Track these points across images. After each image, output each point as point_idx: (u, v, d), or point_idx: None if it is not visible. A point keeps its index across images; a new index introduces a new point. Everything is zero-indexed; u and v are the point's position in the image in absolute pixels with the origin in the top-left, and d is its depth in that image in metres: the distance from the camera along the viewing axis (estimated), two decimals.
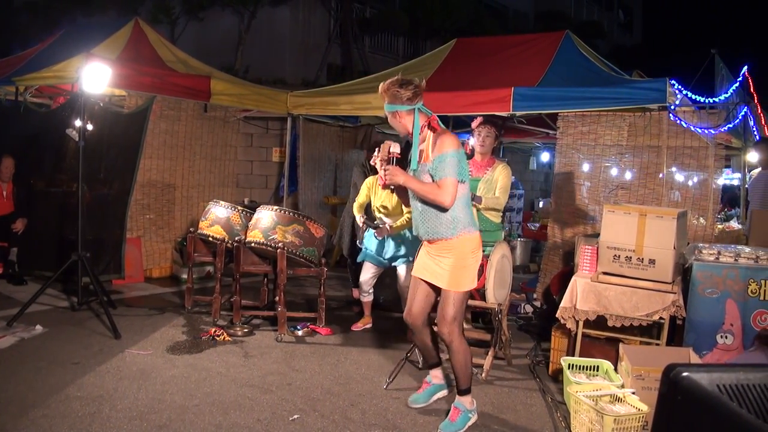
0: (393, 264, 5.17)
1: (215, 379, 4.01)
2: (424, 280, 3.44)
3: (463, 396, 3.45)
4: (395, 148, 3.35)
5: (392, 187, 3.41)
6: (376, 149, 4.86)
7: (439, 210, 3.25)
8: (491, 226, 4.83)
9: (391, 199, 5.04)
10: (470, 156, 4.86)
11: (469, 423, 3.43)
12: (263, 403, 3.65)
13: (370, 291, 5.35)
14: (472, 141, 4.85)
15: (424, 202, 3.28)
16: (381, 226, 4.99)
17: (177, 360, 4.34)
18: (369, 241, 5.17)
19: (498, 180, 4.75)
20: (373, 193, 5.17)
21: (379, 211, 5.11)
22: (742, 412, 1.11)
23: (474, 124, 4.78)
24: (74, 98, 6.31)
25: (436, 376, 3.77)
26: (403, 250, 5.10)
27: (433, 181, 3.23)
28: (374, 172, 5.28)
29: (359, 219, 5.15)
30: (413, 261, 4.77)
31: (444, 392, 3.79)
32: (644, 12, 30.95)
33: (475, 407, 3.50)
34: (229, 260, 5.40)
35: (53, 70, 5.77)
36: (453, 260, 3.29)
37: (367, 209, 5.28)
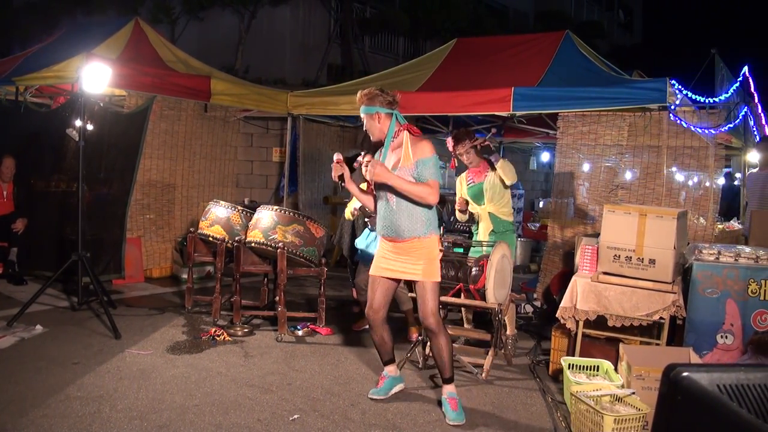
0: None
1: (215, 379, 4.01)
2: (385, 278, 3.62)
3: (449, 384, 3.60)
4: (338, 156, 3.63)
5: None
6: (361, 154, 5.05)
7: (414, 210, 3.45)
8: (504, 226, 4.84)
9: None
10: (462, 168, 5.00)
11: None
12: (263, 403, 3.66)
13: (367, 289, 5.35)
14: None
15: (399, 201, 3.44)
16: (374, 216, 5.00)
17: (177, 360, 4.34)
18: (361, 241, 5.17)
19: (499, 174, 4.81)
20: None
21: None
22: (742, 412, 1.11)
23: (451, 147, 4.83)
24: (74, 98, 6.32)
25: (391, 371, 3.88)
26: None
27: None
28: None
29: (353, 211, 5.15)
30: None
31: (401, 386, 3.90)
32: (644, 12, 30.91)
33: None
34: (229, 260, 5.40)
35: (53, 70, 5.78)
36: (424, 255, 3.49)
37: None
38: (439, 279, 3.56)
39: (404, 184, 3.39)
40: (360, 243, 5.18)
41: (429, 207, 3.47)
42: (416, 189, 3.38)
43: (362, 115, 3.58)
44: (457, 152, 4.83)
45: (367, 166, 5.09)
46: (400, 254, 3.53)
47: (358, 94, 3.56)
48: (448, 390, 3.59)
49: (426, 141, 3.49)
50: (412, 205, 3.43)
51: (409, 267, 3.51)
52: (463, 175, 5.01)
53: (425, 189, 3.37)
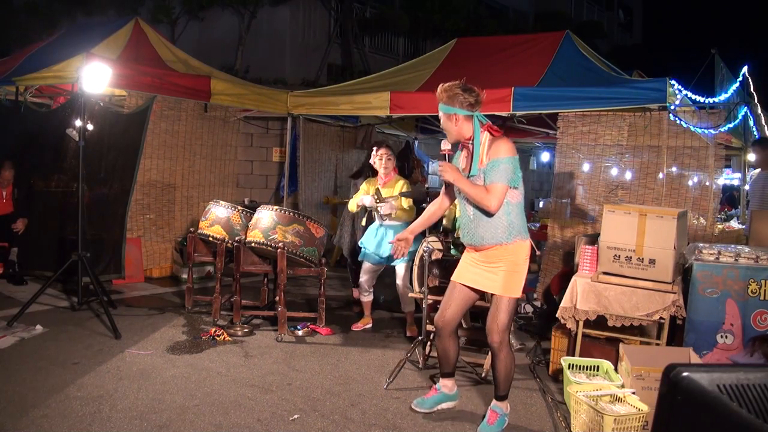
0: (392, 263, 5.17)
1: (215, 379, 4.01)
2: (466, 287, 3.41)
3: (500, 401, 3.44)
4: (446, 146, 3.37)
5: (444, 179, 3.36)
6: (374, 148, 5.08)
7: (496, 216, 3.21)
8: None
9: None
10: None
11: (504, 426, 3.42)
12: (263, 403, 3.65)
13: (371, 290, 5.35)
14: None
15: (477, 209, 3.25)
16: (387, 202, 4.96)
17: (177, 360, 4.34)
18: (367, 239, 5.17)
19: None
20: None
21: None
22: (742, 412, 1.11)
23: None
24: (74, 98, 6.31)
25: (446, 385, 3.68)
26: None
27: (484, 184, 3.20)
28: (374, 173, 5.29)
29: (366, 201, 5.08)
30: (411, 260, 4.81)
31: (451, 404, 3.69)
32: (644, 12, 30.95)
33: (508, 412, 3.48)
34: (229, 260, 5.40)
35: (53, 70, 5.77)
36: (506, 266, 3.25)
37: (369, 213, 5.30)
38: (518, 295, 3.30)
39: (465, 185, 3.20)
40: (368, 242, 5.14)
41: (513, 211, 3.21)
42: (472, 191, 3.17)
43: (440, 113, 3.32)
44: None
45: (381, 159, 5.12)
46: (483, 262, 3.31)
47: (439, 89, 3.27)
48: (495, 403, 3.44)
49: (503, 141, 3.21)
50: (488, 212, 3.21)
51: (489, 276, 3.29)
52: None
53: (480, 192, 3.15)
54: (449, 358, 3.60)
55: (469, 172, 3.28)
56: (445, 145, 3.38)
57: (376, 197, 4.99)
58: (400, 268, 5.12)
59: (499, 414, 3.41)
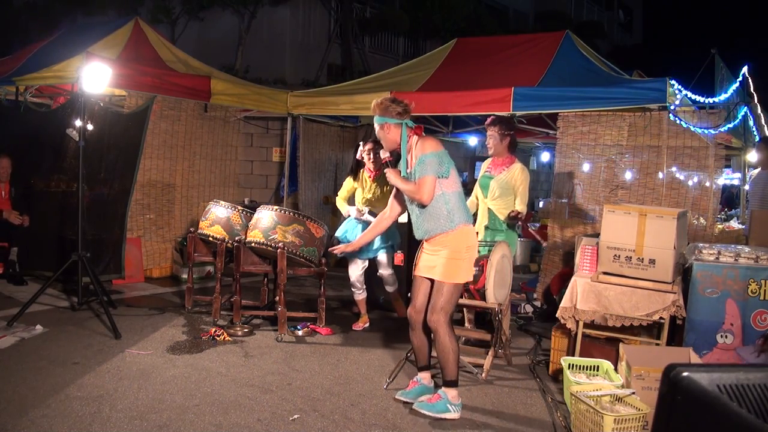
0: (376, 254, 5.24)
1: (215, 379, 4.01)
2: (424, 277, 3.64)
3: (448, 388, 3.55)
4: (384, 153, 3.71)
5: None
6: (361, 143, 5.29)
7: (434, 209, 3.50)
8: (499, 225, 4.84)
9: (376, 192, 5.20)
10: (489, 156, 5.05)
11: (447, 415, 3.49)
12: (263, 403, 3.66)
13: (363, 287, 5.36)
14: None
15: (420, 205, 3.53)
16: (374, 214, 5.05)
17: (177, 360, 4.34)
18: (349, 234, 5.19)
19: (517, 187, 4.77)
20: (360, 186, 5.31)
21: (365, 204, 5.26)
22: (742, 412, 1.11)
23: (486, 124, 4.94)
24: (74, 98, 6.31)
25: (425, 377, 3.82)
26: (382, 239, 5.13)
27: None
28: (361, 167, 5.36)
29: (351, 211, 5.23)
30: (392, 248, 5.24)
31: (429, 395, 3.78)
32: (644, 12, 30.95)
33: (459, 404, 3.55)
34: (229, 260, 5.41)
35: (53, 70, 5.78)
36: (448, 252, 3.50)
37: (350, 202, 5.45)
38: (457, 281, 3.53)
39: (401, 184, 3.57)
40: (350, 237, 5.18)
41: (451, 200, 3.48)
42: (406, 187, 3.54)
43: (375, 125, 3.65)
44: (487, 134, 4.87)
45: (369, 154, 5.24)
46: (430, 250, 3.58)
47: (372, 104, 3.64)
48: (444, 389, 3.57)
49: (428, 139, 3.55)
50: (431, 205, 3.49)
51: (433, 261, 3.55)
52: (485, 162, 5.07)
53: (410, 187, 3.50)
54: (425, 351, 3.77)
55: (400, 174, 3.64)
56: (384, 153, 3.71)
57: (363, 212, 5.16)
58: (381, 256, 5.26)
59: (442, 397, 3.52)
